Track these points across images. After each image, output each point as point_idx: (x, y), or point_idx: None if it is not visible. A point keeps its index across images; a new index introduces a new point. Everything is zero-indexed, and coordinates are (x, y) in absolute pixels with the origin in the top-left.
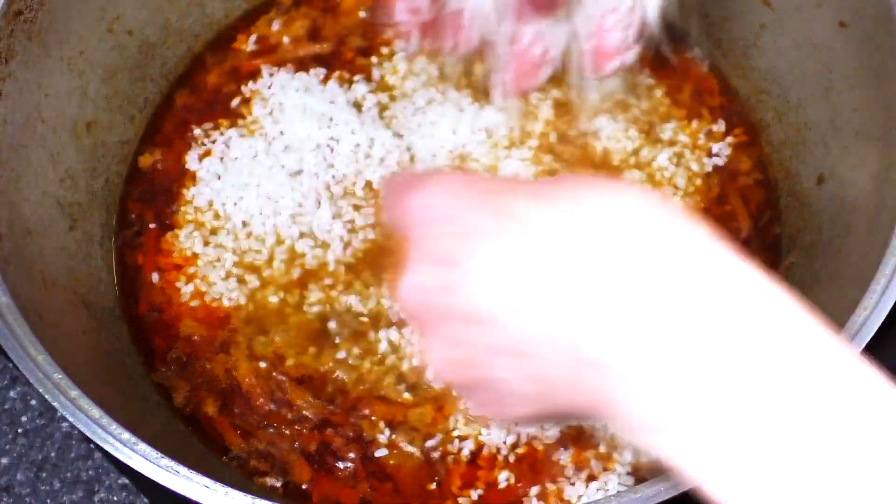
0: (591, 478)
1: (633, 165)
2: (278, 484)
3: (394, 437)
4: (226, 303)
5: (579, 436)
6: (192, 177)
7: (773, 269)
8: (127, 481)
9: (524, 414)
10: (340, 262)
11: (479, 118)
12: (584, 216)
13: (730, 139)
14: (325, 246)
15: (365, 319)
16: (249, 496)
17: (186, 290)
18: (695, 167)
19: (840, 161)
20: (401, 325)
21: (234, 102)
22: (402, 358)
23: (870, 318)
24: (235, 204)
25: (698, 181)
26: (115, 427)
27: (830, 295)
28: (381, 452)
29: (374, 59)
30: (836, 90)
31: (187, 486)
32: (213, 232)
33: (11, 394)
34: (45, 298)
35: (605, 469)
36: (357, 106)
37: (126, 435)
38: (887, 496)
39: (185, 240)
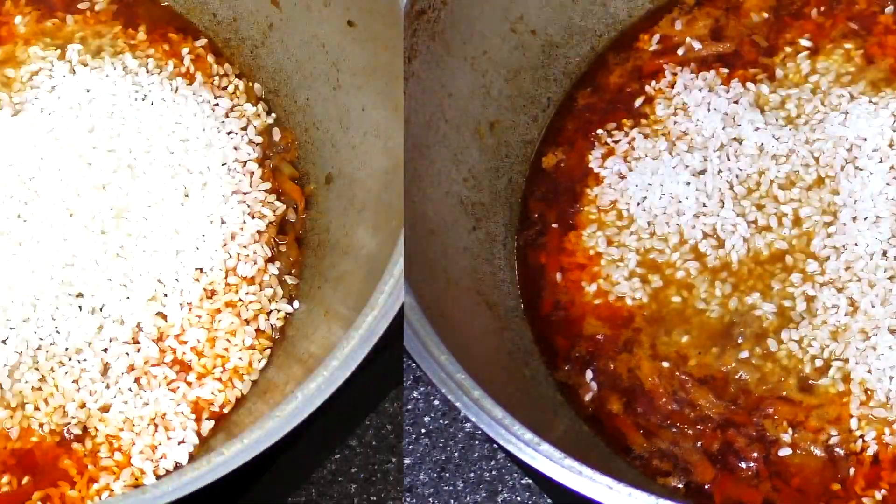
0: None
1: None
2: (680, 485)
3: (797, 436)
4: (629, 302)
5: None
6: (595, 177)
7: None
8: (530, 482)
9: None
10: (743, 262)
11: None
12: None
13: None
14: (728, 246)
15: (768, 319)
16: (653, 496)
17: (590, 289)
18: None
19: None
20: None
21: (637, 102)
22: (805, 359)
23: None
24: (639, 204)
25: None
26: (518, 427)
27: None
28: (784, 452)
29: (776, 59)
30: None
31: (590, 487)
32: (617, 231)
33: (414, 394)
34: (448, 298)
35: None
36: (760, 105)
37: (529, 435)
38: None
39: (588, 239)
